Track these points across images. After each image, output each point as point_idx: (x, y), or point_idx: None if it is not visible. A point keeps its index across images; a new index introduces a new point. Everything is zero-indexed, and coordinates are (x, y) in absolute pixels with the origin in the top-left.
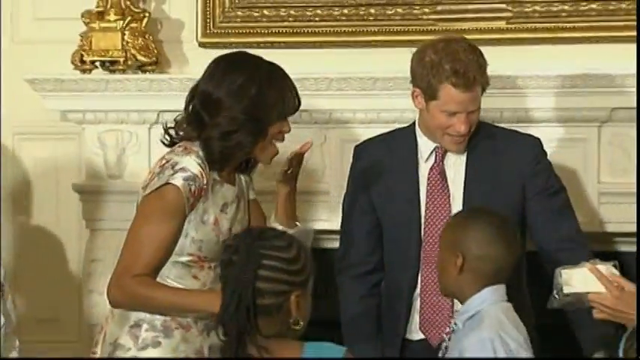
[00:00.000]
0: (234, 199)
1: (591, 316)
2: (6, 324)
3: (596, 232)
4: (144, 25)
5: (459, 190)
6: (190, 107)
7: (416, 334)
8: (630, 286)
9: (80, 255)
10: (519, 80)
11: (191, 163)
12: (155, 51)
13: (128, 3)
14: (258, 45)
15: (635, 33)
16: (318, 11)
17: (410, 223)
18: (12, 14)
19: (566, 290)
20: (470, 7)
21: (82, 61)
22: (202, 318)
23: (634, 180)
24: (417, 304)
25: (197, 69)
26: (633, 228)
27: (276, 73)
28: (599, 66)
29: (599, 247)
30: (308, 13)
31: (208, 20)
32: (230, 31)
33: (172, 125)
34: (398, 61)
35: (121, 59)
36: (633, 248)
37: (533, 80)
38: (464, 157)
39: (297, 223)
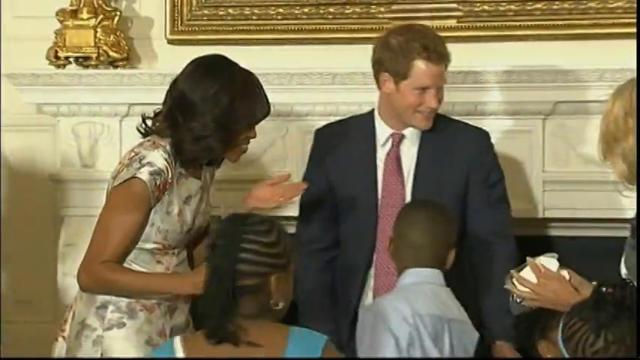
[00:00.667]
0: (197, 192)
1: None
2: None
3: (540, 217)
4: (115, 23)
5: (411, 174)
6: (168, 103)
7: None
8: (579, 283)
9: (55, 240)
10: (469, 75)
11: (157, 157)
12: (126, 47)
13: (100, 2)
14: (224, 42)
15: (576, 31)
16: (280, 10)
17: (367, 204)
18: None
19: (517, 299)
20: (423, 6)
21: (57, 57)
22: (166, 300)
23: (576, 169)
24: (372, 282)
25: (166, 64)
26: (574, 214)
27: (250, 84)
28: (543, 62)
29: (543, 232)
30: (271, 12)
31: (176, 18)
32: (197, 29)
33: (151, 116)
34: (356, 58)
35: (94, 55)
36: (575, 233)
37: (482, 75)
38: (417, 144)
39: None
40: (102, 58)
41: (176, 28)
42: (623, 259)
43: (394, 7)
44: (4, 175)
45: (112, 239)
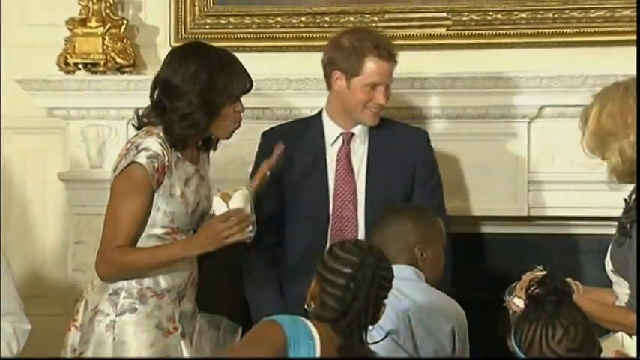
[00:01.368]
0: (194, 174)
1: None
2: None
3: (525, 216)
4: (122, 31)
5: (362, 171)
6: (154, 93)
7: None
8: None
9: (66, 237)
10: (458, 81)
11: (153, 143)
12: (132, 54)
13: (108, 11)
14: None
15: (560, 39)
16: (279, 19)
17: (319, 202)
18: (3, 21)
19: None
20: (414, 15)
21: (67, 63)
22: (175, 286)
23: (559, 169)
24: None
25: None
26: (558, 212)
27: (224, 59)
28: (528, 68)
29: (528, 230)
30: (270, 21)
31: (180, 27)
32: (200, 37)
33: (142, 111)
34: None
35: (102, 62)
36: (558, 231)
37: (470, 81)
38: (366, 143)
39: None
40: (109, 65)
41: (180, 36)
42: (608, 256)
43: (387, 16)
44: (15, 176)
45: (121, 226)
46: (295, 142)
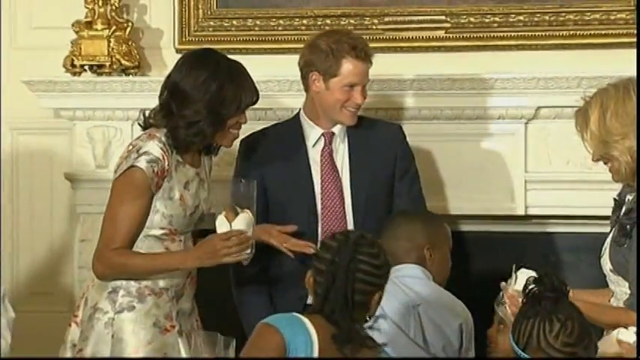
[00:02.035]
0: (194, 178)
1: None
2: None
3: (522, 214)
4: (127, 33)
5: (346, 169)
6: (163, 95)
7: None
8: None
9: (71, 235)
10: (457, 82)
11: (154, 147)
12: (137, 56)
13: (113, 14)
14: (228, 51)
15: (556, 41)
16: (281, 21)
17: (305, 204)
18: (11, 23)
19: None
20: (413, 18)
21: (73, 65)
22: (173, 285)
23: (556, 169)
24: None
25: None
26: (555, 211)
27: (236, 71)
28: (525, 70)
29: (525, 228)
30: (272, 23)
31: (184, 29)
32: (203, 39)
33: (149, 110)
34: None
35: (107, 63)
36: (555, 229)
37: (468, 82)
38: (346, 141)
39: None
40: (115, 66)
41: (184, 39)
42: (607, 256)
43: (387, 19)
44: (22, 175)
45: (119, 227)
46: (276, 146)
